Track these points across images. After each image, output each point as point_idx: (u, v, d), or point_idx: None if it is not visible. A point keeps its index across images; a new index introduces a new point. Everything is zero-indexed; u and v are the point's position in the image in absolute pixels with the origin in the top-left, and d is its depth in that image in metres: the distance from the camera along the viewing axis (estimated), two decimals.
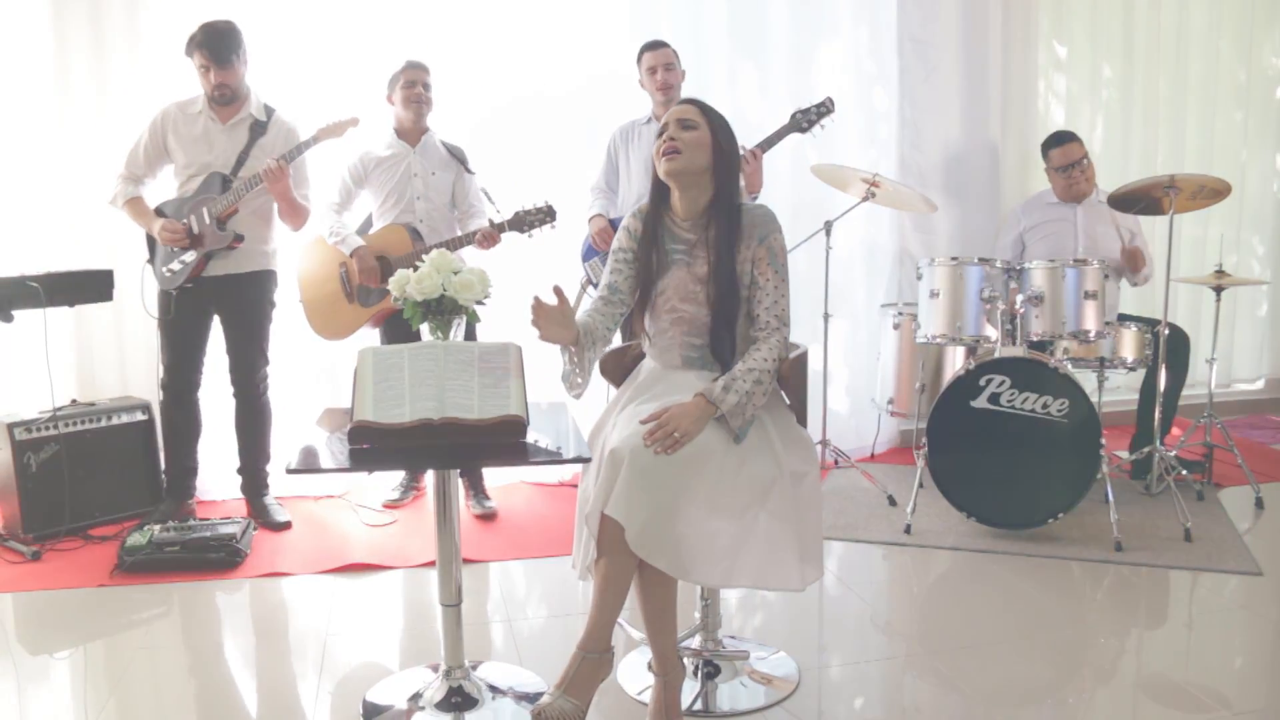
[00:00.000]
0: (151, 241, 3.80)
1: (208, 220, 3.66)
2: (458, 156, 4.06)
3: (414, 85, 3.92)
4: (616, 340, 2.86)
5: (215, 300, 3.81)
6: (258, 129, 3.75)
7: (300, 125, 3.82)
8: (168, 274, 3.73)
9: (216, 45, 3.62)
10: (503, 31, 4.41)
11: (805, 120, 3.99)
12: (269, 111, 3.81)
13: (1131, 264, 4.37)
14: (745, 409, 2.25)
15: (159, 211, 3.75)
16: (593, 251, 4.08)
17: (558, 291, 2.33)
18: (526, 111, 4.45)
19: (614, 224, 4.08)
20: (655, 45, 4.07)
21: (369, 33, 4.29)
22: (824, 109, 4.00)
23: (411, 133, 3.99)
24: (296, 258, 4.05)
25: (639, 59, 4.08)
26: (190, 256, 3.69)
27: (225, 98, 3.69)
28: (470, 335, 3.73)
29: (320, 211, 3.94)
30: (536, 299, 2.27)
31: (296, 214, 3.81)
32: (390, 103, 3.98)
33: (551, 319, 2.29)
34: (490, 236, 3.81)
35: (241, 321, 3.85)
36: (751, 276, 2.40)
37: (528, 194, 4.09)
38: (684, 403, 2.23)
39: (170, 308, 3.76)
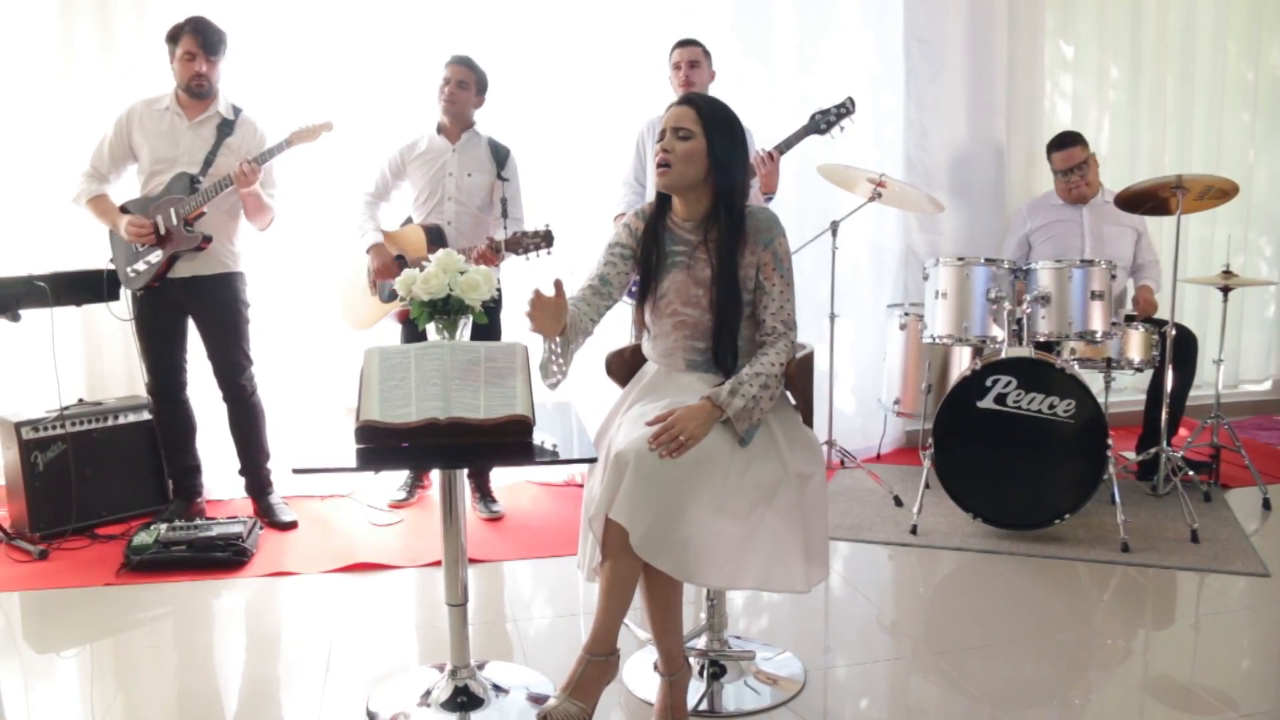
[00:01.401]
0: (114, 242, 3.74)
1: (175, 221, 3.61)
2: (498, 159, 3.99)
3: (447, 83, 3.90)
4: (622, 339, 2.86)
5: (185, 302, 3.76)
6: (225, 128, 3.72)
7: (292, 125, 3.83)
8: (132, 274, 3.67)
9: (209, 35, 3.62)
10: (511, 30, 4.42)
11: (824, 121, 3.95)
12: (236, 111, 3.78)
13: (1142, 309, 4.34)
14: (752, 413, 2.25)
15: (124, 210, 3.69)
16: None
17: (558, 286, 2.30)
18: (534, 110, 4.46)
19: None
20: (685, 43, 4.09)
21: (397, 30, 4.31)
22: (844, 110, 3.95)
23: (451, 130, 3.95)
24: (337, 242, 4.06)
25: (671, 53, 4.11)
26: (156, 256, 3.64)
27: (202, 91, 3.66)
28: (495, 334, 3.72)
29: (354, 201, 3.95)
30: (537, 291, 2.25)
31: (263, 213, 3.77)
32: (439, 99, 3.96)
33: (546, 312, 2.26)
34: (486, 256, 3.72)
35: (216, 326, 3.80)
36: (756, 281, 2.39)
37: (539, 193, 4.16)
38: (690, 406, 2.23)
39: (137, 309, 3.71)
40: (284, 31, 4.15)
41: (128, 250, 3.68)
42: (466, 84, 3.92)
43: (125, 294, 3.76)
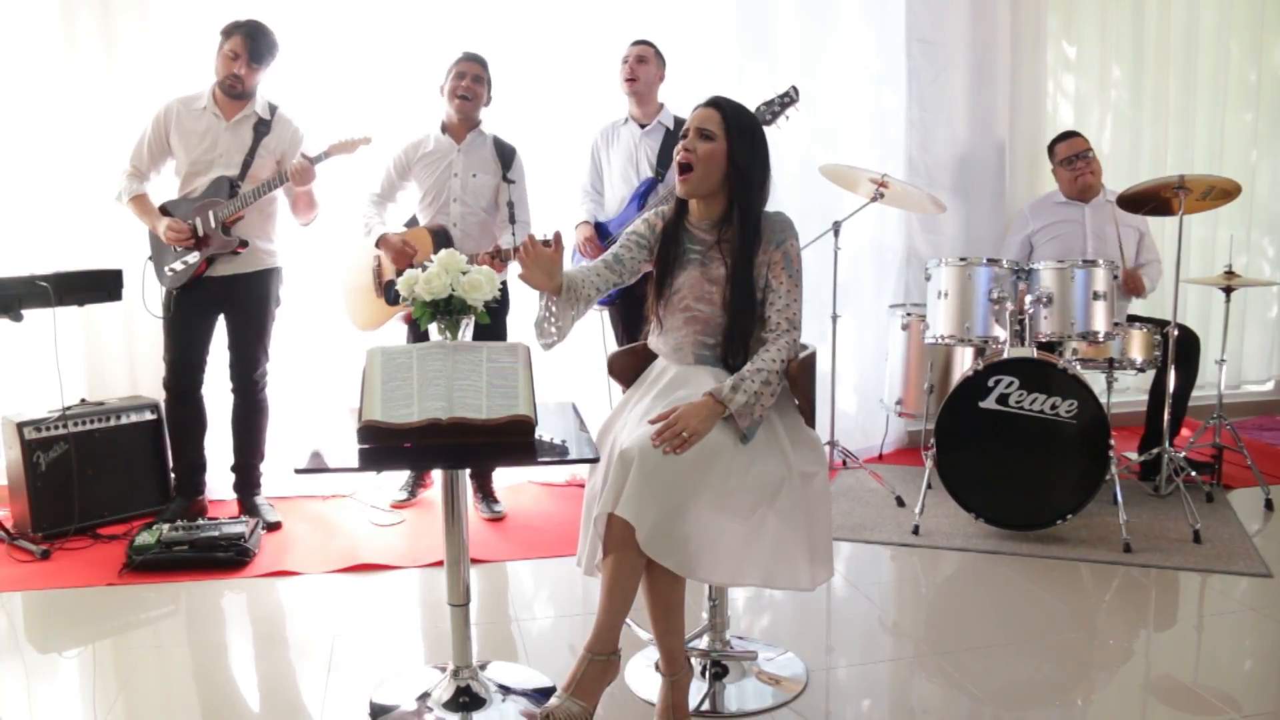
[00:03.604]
0: (154, 240, 3.79)
1: (213, 224, 3.65)
2: (503, 160, 3.95)
3: (462, 77, 3.84)
4: (594, 348, 2.86)
5: (221, 299, 3.81)
6: (262, 128, 3.75)
7: (320, 126, 3.84)
8: (169, 273, 3.73)
9: (259, 43, 3.64)
10: (513, 31, 4.42)
11: (769, 113, 3.87)
12: (273, 109, 3.80)
13: (1129, 287, 4.32)
14: (753, 409, 2.25)
15: (164, 211, 3.75)
16: (575, 256, 4.07)
17: (557, 238, 2.34)
18: (532, 110, 4.46)
19: (600, 228, 4.06)
20: (637, 41, 4.08)
21: (399, 30, 4.32)
22: (787, 99, 3.87)
23: (458, 129, 3.92)
24: (344, 242, 4.07)
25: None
26: (193, 258, 3.69)
27: (236, 92, 3.69)
28: (499, 335, 3.73)
29: (360, 201, 3.95)
30: (530, 237, 2.31)
31: (312, 208, 3.83)
32: (443, 95, 3.92)
33: (539, 263, 2.31)
34: (492, 263, 3.72)
35: (246, 320, 3.85)
36: (766, 280, 2.40)
37: (552, 194, 4.20)
38: (693, 402, 2.23)
39: (170, 305, 3.76)
40: (282, 33, 4.15)
41: (166, 249, 3.72)
42: (481, 79, 3.89)
43: (159, 290, 3.79)
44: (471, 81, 3.85)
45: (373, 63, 4.29)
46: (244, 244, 3.70)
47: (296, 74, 4.11)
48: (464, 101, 3.85)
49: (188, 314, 3.78)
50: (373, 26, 4.30)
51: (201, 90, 3.76)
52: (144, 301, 3.81)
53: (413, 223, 4.03)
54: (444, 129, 3.93)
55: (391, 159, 3.95)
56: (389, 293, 3.88)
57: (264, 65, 3.70)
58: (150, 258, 3.82)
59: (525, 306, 4.12)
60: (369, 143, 3.72)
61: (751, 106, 3.88)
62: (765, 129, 3.88)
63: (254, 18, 3.67)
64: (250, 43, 3.63)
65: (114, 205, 3.83)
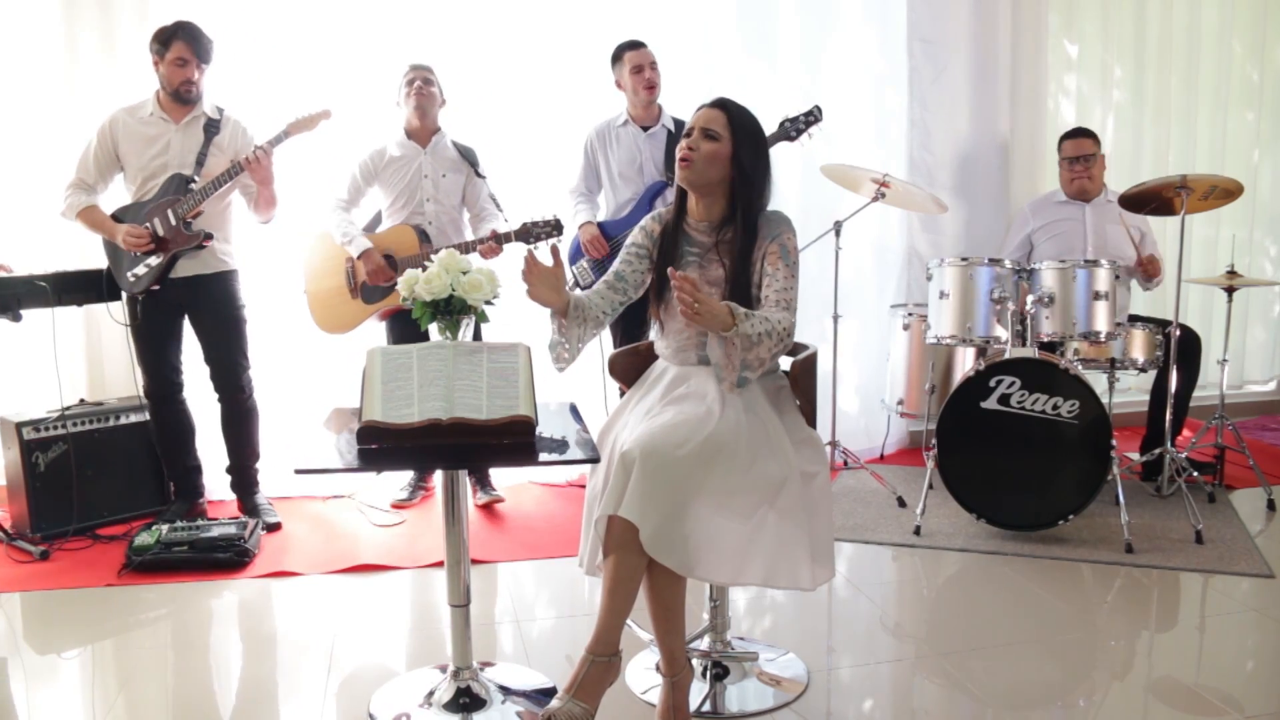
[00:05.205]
0: (110, 249, 3.72)
1: (173, 221, 3.60)
2: (469, 159, 4.06)
3: (412, 82, 3.94)
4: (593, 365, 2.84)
5: (183, 303, 3.76)
6: (211, 127, 3.71)
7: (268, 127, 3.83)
8: (132, 279, 3.65)
9: (202, 42, 3.62)
10: (509, 31, 4.42)
11: (794, 129, 3.98)
12: (220, 111, 3.77)
13: (1147, 273, 4.33)
14: (754, 346, 2.24)
15: (116, 219, 3.67)
16: (579, 254, 4.06)
17: (554, 252, 2.37)
18: (533, 111, 4.46)
19: (602, 228, 4.06)
20: (638, 44, 4.06)
21: (372, 37, 4.31)
22: (811, 118, 3.98)
23: (421, 133, 4.00)
24: (303, 249, 4.07)
25: (619, 57, 4.07)
26: (156, 259, 3.63)
27: (193, 96, 3.66)
28: (476, 336, 3.73)
29: (328, 208, 3.96)
30: (530, 254, 2.31)
31: (272, 204, 3.78)
32: (400, 106, 4.00)
33: (543, 279, 2.34)
34: (492, 249, 3.81)
35: (215, 326, 3.79)
36: (761, 272, 2.40)
37: (531, 193, 4.17)
38: (715, 302, 2.21)
39: (137, 313, 3.70)
40: (255, 37, 4.17)
41: (126, 255, 3.66)
42: (430, 81, 3.97)
43: (122, 297, 3.75)
44: (422, 84, 3.95)
45: (344, 64, 4.28)
46: (209, 236, 3.65)
47: (260, 75, 4.14)
48: (420, 99, 3.93)
49: (154, 319, 3.73)
50: (347, 28, 4.29)
51: (145, 99, 3.70)
52: (108, 311, 3.76)
53: (375, 223, 4.08)
54: (408, 135, 4.00)
55: (358, 165, 3.98)
56: (369, 293, 3.89)
57: (209, 63, 3.68)
58: (109, 268, 3.75)
59: (515, 303, 4.11)
60: (329, 116, 3.70)
61: (775, 120, 3.93)
62: (788, 144, 3.95)
63: (183, 20, 3.62)
64: (195, 46, 3.60)
65: (63, 221, 3.73)
